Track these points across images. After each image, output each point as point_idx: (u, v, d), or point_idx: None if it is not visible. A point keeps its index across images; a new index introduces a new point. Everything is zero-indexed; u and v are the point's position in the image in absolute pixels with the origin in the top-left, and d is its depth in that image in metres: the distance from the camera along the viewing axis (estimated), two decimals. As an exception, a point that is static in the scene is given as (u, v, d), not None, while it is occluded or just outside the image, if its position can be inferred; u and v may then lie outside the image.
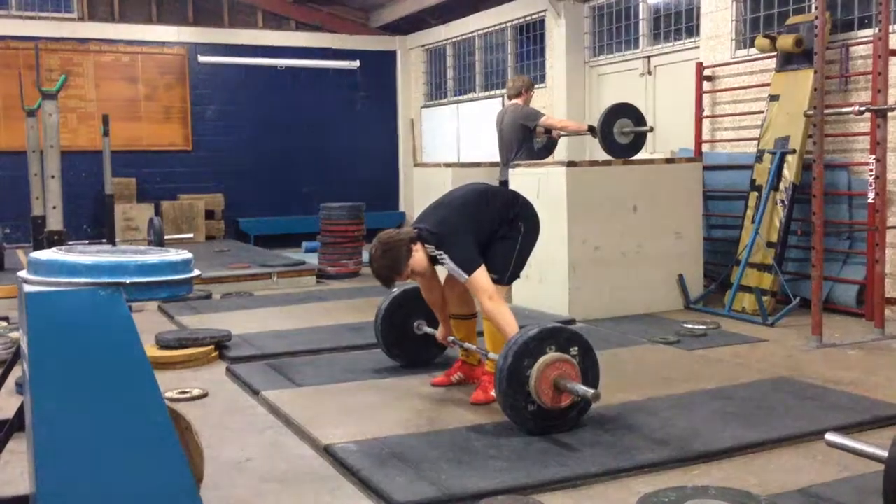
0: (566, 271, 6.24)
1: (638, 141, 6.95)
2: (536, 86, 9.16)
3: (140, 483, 2.40)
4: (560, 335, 3.67)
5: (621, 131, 6.86)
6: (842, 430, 3.21)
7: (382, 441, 3.56)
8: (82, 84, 11.65)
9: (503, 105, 10.11)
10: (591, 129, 7.08)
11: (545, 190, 6.34)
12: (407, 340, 4.81)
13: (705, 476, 3.21)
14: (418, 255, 4.05)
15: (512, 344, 3.62)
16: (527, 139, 7.32)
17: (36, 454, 2.32)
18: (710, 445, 3.47)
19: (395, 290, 4.72)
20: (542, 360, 3.57)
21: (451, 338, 4.55)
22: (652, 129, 6.94)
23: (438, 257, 4.06)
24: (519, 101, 7.42)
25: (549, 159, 7.57)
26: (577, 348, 3.68)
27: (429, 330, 4.72)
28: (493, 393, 4.05)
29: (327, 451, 3.49)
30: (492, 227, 4.14)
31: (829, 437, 2.89)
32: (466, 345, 4.40)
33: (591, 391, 3.53)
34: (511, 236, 4.16)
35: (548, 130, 7.41)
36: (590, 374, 3.71)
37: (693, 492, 2.88)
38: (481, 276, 3.95)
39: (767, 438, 3.55)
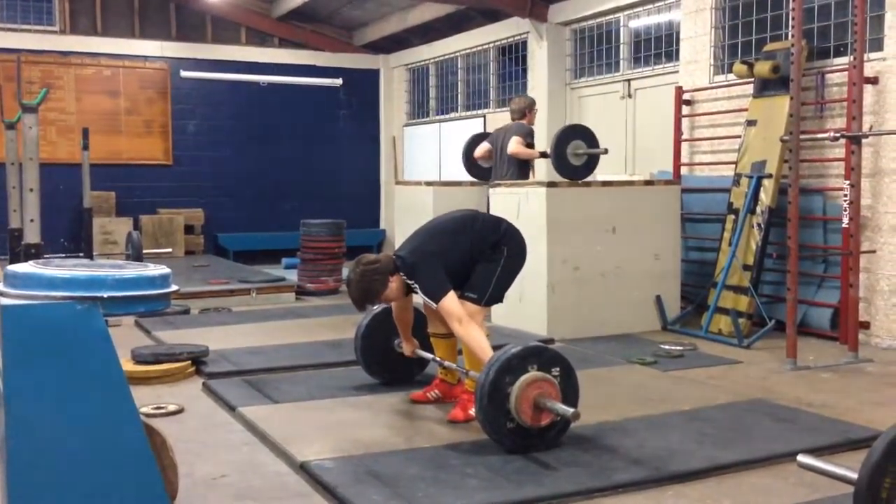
0: (545, 291, 6.27)
1: (591, 162, 7.00)
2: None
3: (114, 498, 2.39)
4: (542, 354, 3.69)
5: (574, 153, 6.91)
6: (814, 452, 3.24)
7: (359, 458, 3.55)
8: (63, 97, 11.60)
9: (484, 125, 10.18)
10: (543, 154, 7.26)
11: (525, 210, 6.38)
12: (386, 358, 4.81)
13: (680, 496, 3.23)
14: (393, 286, 4.12)
15: (494, 361, 3.63)
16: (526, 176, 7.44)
17: (9, 467, 2.30)
18: (684, 466, 3.49)
19: (375, 308, 4.73)
20: (523, 378, 3.58)
21: (417, 351, 4.60)
22: (606, 151, 6.97)
23: (412, 286, 4.12)
24: (523, 121, 7.52)
25: (529, 180, 7.61)
26: (558, 369, 3.70)
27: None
28: (471, 411, 4.07)
29: (303, 468, 3.48)
30: (472, 254, 4.18)
31: (801, 458, 2.92)
32: (446, 363, 4.41)
33: (571, 410, 3.55)
34: (493, 259, 4.20)
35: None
36: (570, 395, 3.73)
37: (667, 512, 2.90)
38: (449, 301, 3.99)
39: (741, 459, 3.58)
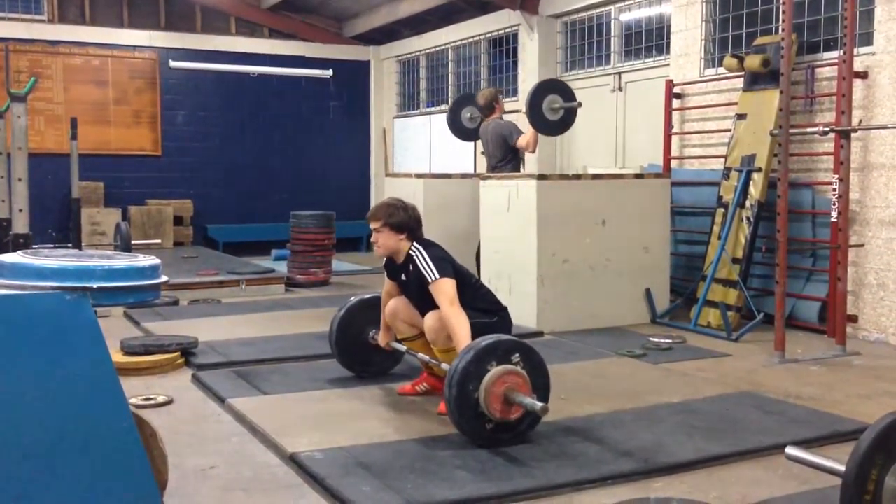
0: (535, 284, 6.28)
1: (567, 117, 6.98)
2: (508, 99, 9.25)
3: (103, 489, 2.38)
4: (496, 350, 3.63)
5: (550, 107, 6.89)
6: (802, 444, 3.27)
7: (348, 450, 3.55)
8: (51, 86, 11.52)
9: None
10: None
11: (515, 203, 6.38)
12: (361, 351, 4.78)
13: (668, 488, 3.24)
14: (397, 243, 4.18)
15: (452, 374, 3.58)
16: (513, 151, 7.43)
17: (-3, 459, 2.29)
18: (673, 458, 3.51)
19: (351, 300, 4.74)
20: (486, 379, 3.55)
21: (393, 343, 4.59)
22: (580, 104, 6.95)
23: (413, 254, 4.12)
24: (496, 114, 7.51)
25: (520, 172, 7.62)
26: (517, 355, 3.65)
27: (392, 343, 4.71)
28: None
29: (293, 460, 3.48)
30: (470, 298, 4.18)
31: (790, 451, 2.94)
32: (419, 355, 4.40)
33: (539, 405, 3.53)
34: (486, 314, 4.21)
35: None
36: (536, 378, 3.67)
37: (656, 503, 2.91)
38: (449, 284, 4.00)
39: (729, 452, 3.60)
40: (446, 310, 3.97)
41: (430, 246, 4.21)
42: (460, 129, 8.36)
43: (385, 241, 4.23)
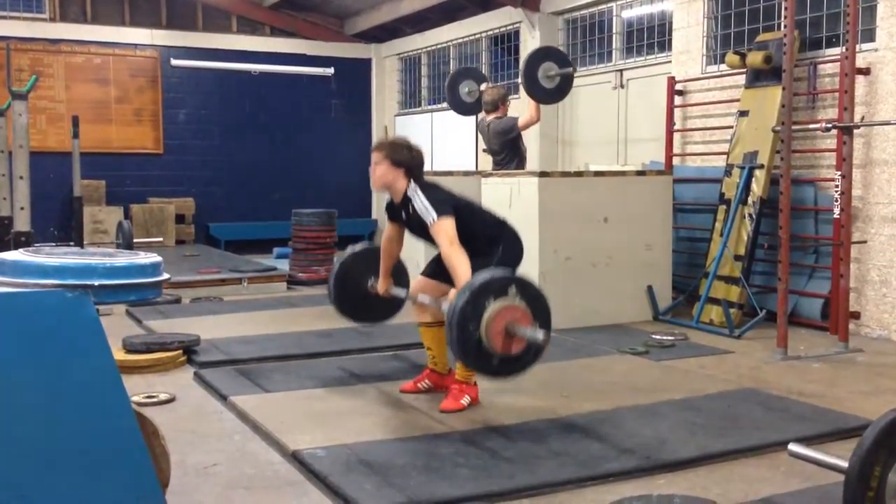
0: (536, 280, 6.26)
1: (563, 85, 6.93)
2: (511, 97, 9.25)
3: (105, 487, 2.38)
4: (491, 286, 3.59)
5: (546, 75, 6.85)
6: (805, 441, 3.26)
7: (350, 447, 3.55)
8: (52, 85, 11.53)
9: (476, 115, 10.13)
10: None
11: (517, 200, 6.37)
12: (360, 299, 4.73)
13: (670, 485, 3.24)
14: (396, 179, 4.16)
15: (451, 316, 3.56)
16: (514, 148, 7.41)
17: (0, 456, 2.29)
18: (675, 455, 3.50)
19: (355, 246, 4.75)
20: (485, 317, 3.53)
21: (391, 290, 4.56)
22: (574, 70, 6.93)
23: (411, 195, 4.10)
24: (498, 113, 7.46)
25: (522, 170, 7.60)
26: (513, 288, 3.62)
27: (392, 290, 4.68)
28: (462, 401, 4.08)
29: (295, 457, 3.48)
30: (466, 234, 4.14)
31: (792, 447, 2.94)
32: (419, 297, 4.30)
33: (541, 335, 3.53)
34: (488, 253, 4.14)
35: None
36: (535, 307, 3.64)
37: (658, 500, 2.92)
38: (448, 223, 3.97)
39: (732, 449, 3.59)
40: (446, 250, 3.93)
41: (428, 187, 4.15)
42: (458, 104, 8.31)
43: (382, 173, 4.17)
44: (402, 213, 4.28)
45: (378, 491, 3.08)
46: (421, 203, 4.05)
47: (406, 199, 4.18)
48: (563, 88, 6.94)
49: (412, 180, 4.18)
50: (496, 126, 7.42)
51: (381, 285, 4.60)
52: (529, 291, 3.67)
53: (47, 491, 2.31)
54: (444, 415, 4.08)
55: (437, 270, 4.30)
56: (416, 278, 4.49)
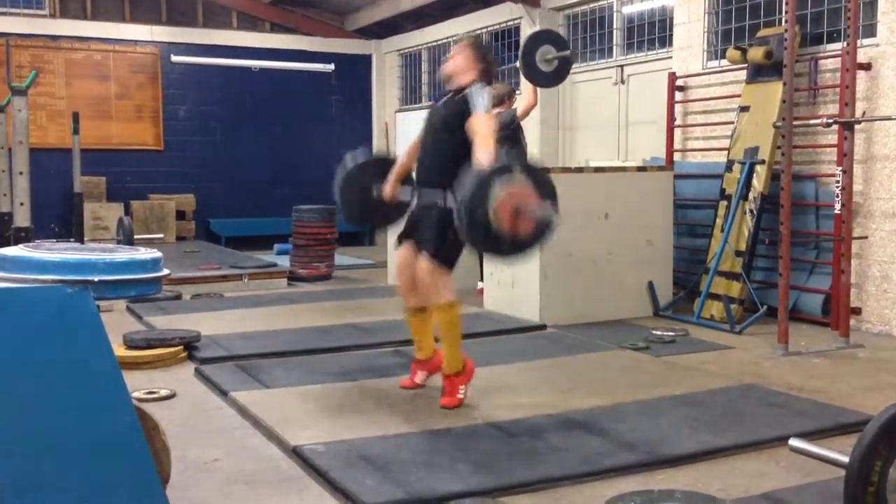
0: (537, 277, 6.27)
1: (562, 68, 6.92)
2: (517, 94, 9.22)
3: (106, 482, 2.38)
4: (496, 172, 3.62)
5: (544, 59, 6.84)
6: (805, 436, 3.26)
7: (351, 443, 3.55)
8: (53, 81, 11.52)
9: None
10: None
11: (517, 196, 6.36)
12: (367, 203, 4.72)
13: (671, 480, 3.24)
14: (468, 74, 4.18)
15: (460, 206, 3.60)
16: (515, 140, 7.42)
17: (1, 452, 2.29)
18: (676, 450, 3.50)
19: (353, 158, 4.74)
20: (492, 202, 3.54)
21: (398, 194, 4.56)
22: (571, 52, 6.92)
23: (472, 90, 4.10)
24: (502, 108, 7.46)
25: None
26: (518, 171, 3.66)
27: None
28: (459, 395, 4.08)
29: (295, 453, 3.48)
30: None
31: (793, 442, 2.94)
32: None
33: (550, 211, 3.60)
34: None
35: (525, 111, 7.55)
36: (541, 187, 3.68)
37: (658, 495, 2.91)
38: (493, 122, 4.13)
39: (733, 444, 3.59)
40: (483, 134, 3.93)
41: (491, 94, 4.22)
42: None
43: (461, 59, 4.20)
44: (438, 101, 4.30)
45: (378, 486, 3.08)
46: (478, 96, 4.06)
47: (457, 92, 4.19)
48: (561, 72, 6.92)
49: (479, 79, 4.19)
50: (497, 118, 7.44)
51: (387, 190, 4.58)
52: (534, 174, 3.72)
53: (48, 486, 2.31)
54: (444, 410, 4.08)
55: (409, 233, 4.34)
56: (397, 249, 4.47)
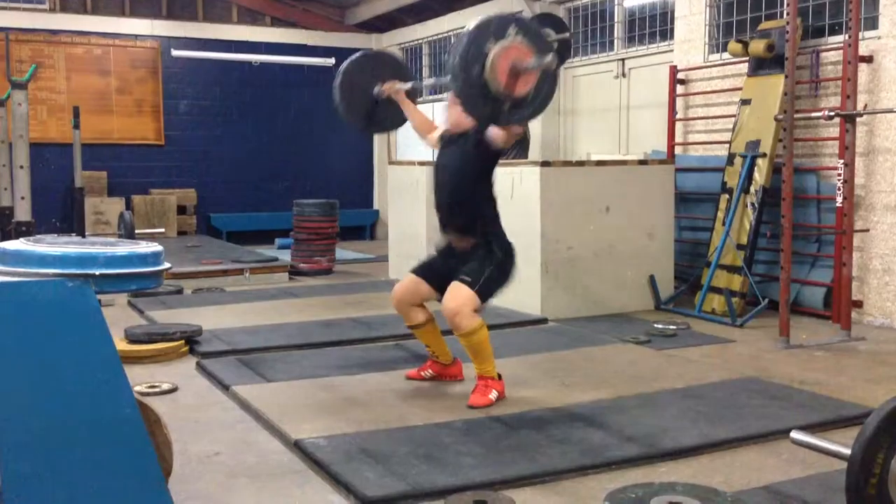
0: (538, 270, 6.27)
1: (562, 51, 6.93)
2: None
3: (108, 475, 2.38)
4: (489, 27, 3.57)
5: None
6: (807, 428, 3.25)
7: (352, 437, 3.55)
8: (53, 76, 11.51)
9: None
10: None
11: (519, 189, 6.36)
12: (367, 103, 4.74)
13: (672, 473, 3.24)
14: (469, 121, 4.11)
15: (453, 63, 3.55)
16: (521, 139, 7.44)
17: (3, 445, 2.29)
18: (677, 443, 3.50)
19: (351, 58, 4.75)
20: (489, 59, 3.50)
21: (398, 85, 4.60)
22: (571, 34, 6.92)
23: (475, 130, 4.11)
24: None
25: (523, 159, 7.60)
26: (512, 27, 3.60)
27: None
28: (491, 396, 4.03)
29: (297, 446, 3.48)
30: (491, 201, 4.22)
31: (795, 435, 2.94)
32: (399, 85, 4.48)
33: (547, 58, 3.51)
34: (489, 250, 4.12)
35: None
36: (536, 42, 3.63)
37: (660, 488, 2.91)
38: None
39: (734, 437, 3.59)
40: (503, 136, 3.96)
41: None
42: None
43: (459, 113, 4.13)
44: (451, 142, 4.28)
45: (380, 479, 3.08)
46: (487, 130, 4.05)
47: (465, 134, 4.18)
48: (561, 54, 6.93)
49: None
50: None
51: (388, 87, 4.63)
52: (529, 29, 3.66)
53: (49, 479, 2.31)
54: (445, 403, 4.08)
55: (427, 269, 4.32)
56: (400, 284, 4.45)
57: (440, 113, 4.44)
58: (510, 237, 4.24)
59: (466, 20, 11.78)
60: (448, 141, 4.33)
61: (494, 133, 3.98)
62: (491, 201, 4.22)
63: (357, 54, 4.79)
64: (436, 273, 4.24)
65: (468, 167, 4.16)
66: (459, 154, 4.20)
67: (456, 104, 4.12)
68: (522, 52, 3.55)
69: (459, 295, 3.99)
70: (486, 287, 4.05)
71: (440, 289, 4.14)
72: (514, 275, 4.21)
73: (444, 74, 5.01)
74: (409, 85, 4.53)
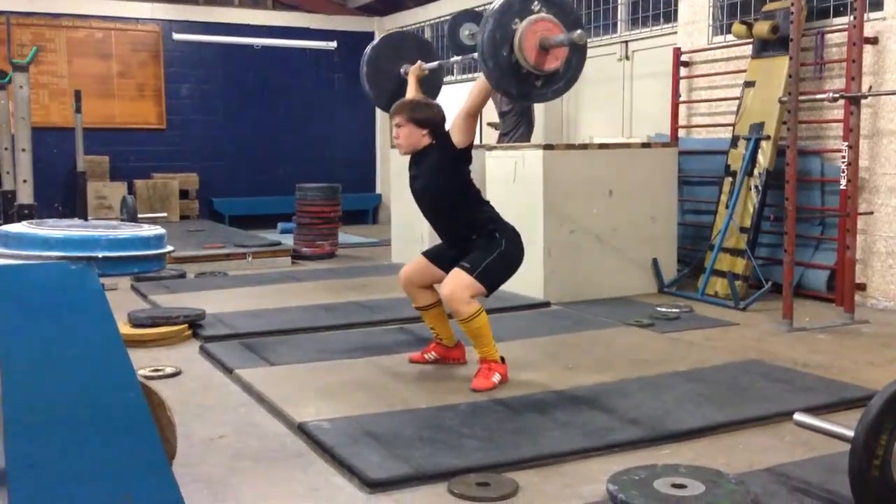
0: (541, 254, 6.26)
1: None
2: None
3: (112, 459, 2.38)
4: (512, 7, 3.58)
5: None
6: (810, 411, 3.26)
7: (356, 419, 3.56)
8: (54, 60, 11.48)
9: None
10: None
11: (521, 173, 6.35)
12: (393, 84, 4.77)
13: (675, 455, 3.24)
14: (424, 139, 4.15)
15: (482, 48, 3.55)
16: (524, 114, 7.47)
17: (7, 429, 2.29)
18: (680, 426, 3.50)
19: (377, 39, 4.89)
20: (516, 38, 3.50)
21: (425, 66, 4.62)
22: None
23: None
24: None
25: (526, 143, 7.59)
26: (535, 2, 3.61)
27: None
28: (494, 379, 4.03)
29: (301, 429, 3.49)
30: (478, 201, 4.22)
31: (798, 417, 2.94)
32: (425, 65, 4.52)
33: (576, 34, 3.52)
34: (490, 237, 4.11)
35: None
36: (563, 16, 3.64)
37: (663, 470, 2.92)
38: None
39: (737, 419, 3.59)
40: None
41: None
42: (459, 46, 8.30)
43: (407, 136, 4.14)
44: (417, 163, 4.25)
45: (384, 462, 3.09)
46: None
47: (426, 150, 4.16)
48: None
49: (435, 137, 4.16)
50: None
51: (416, 65, 4.67)
52: (553, 1, 3.65)
53: (53, 462, 2.32)
54: (449, 386, 4.08)
55: (438, 253, 4.32)
56: (408, 266, 4.45)
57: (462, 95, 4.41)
58: (513, 221, 4.23)
59: (468, 3, 11.72)
60: (414, 164, 4.28)
61: (473, 94, 3.96)
62: (479, 201, 4.22)
63: (378, 39, 4.80)
64: (446, 256, 4.24)
65: (443, 179, 4.13)
66: (430, 170, 4.16)
67: (405, 126, 4.12)
68: (549, 25, 3.52)
69: (456, 280, 3.99)
70: (488, 274, 4.03)
71: (448, 271, 4.13)
72: (521, 261, 4.19)
73: (449, 56, 4.99)
74: (435, 64, 4.52)
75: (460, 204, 4.17)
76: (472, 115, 4.06)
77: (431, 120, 4.16)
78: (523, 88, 3.57)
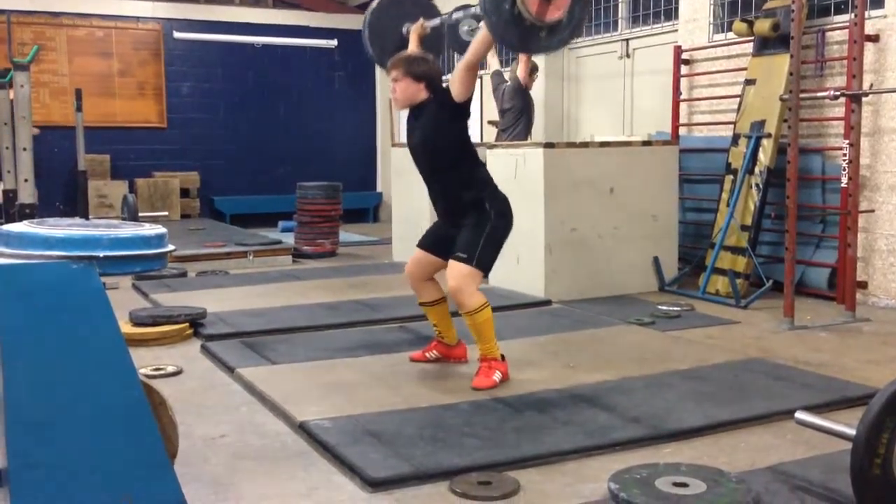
0: (542, 252, 6.26)
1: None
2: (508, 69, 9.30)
3: (113, 457, 2.39)
4: None
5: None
6: (811, 409, 3.26)
7: (357, 418, 3.56)
8: (55, 58, 11.48)
9: (481, 86, 10.11)
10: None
11: (522, 171, 6.34)
12: (394, 43, 4.74)
13: (677, 454, 3.24)
14: (420, 94, 4.12)
15: (482, 4, 3.54)
16: (525, 111, 7.50)
17: (8, 428, 2.29)
18: (681, 424, 3.50)
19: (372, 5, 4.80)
20: None
21: (427, 24, 4.64)
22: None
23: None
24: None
25: (527, 140, 7.59)
26: None
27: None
28: (494, 377, 4.03)
29: (302, 428, 3.49)
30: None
31: (799, 415, 2.94)
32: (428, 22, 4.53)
33: None
34: (480, 223, 4.09)
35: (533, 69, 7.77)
36: None
37: (664, 469, 2.92)
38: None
39: (738, 417, 3.59)
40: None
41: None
42: (459, 43, 8.32)
43: (404, 90, 4.11)
44: (415, 118, 4.23)
45: (385, 461, 3.09)
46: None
47: (424, 104, 4.14)
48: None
49: (433, 92, 4.12)
50: (511, 84, 7.73)
51: (418, 23, 4.67)
52: None
53: (55, 460, 2.32)
54: (450, 385, 4.08)
55: (432, 240, 4.32)
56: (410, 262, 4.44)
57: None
58: (515, 220, 4.22)
59: (469, 1, 11.64)
60: (412, 119, 4.27)
61: (474, 45, 3.93)
62: (475, 160, 4.19)
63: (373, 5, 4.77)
64: (440, 241, 4.22)
65: (441, 133, 4.11)
66: (428, 124, 4.14)
67: (402, 80, 4.09)
68: None
69: (458, 273, 3.99)
70: (483, 258, 4.03)
71: (446, 256, 4.12)
72: (510, 229, 4.17)
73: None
74: (437, 20, 4.51)
75: (457, 160, 4.12)
76: (472, 68, 4.01)
77: (428, 73, 4.12)
78: (528, 42, 3.56)
